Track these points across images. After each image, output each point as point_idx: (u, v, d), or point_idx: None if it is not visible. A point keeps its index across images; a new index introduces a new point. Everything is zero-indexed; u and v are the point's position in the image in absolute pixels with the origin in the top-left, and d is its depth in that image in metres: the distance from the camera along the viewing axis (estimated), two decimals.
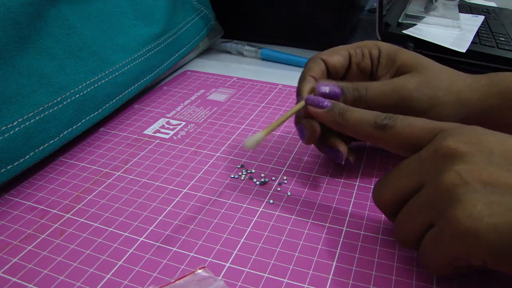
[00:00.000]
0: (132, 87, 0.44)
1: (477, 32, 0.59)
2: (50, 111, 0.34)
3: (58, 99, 0.35)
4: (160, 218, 0.30)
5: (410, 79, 0.32)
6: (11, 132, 0.31)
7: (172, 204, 0.31)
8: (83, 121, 0.37)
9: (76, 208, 0.31)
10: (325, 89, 0.31)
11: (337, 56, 0.34)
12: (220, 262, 0.26)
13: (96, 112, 0.39)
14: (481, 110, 0.32)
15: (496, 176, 0.21)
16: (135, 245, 0.27)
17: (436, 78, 0.32)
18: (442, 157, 0.23)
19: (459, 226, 0.21)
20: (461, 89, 0.32)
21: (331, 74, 0.34)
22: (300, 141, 0.39)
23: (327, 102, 0.29)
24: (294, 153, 0.38)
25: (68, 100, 0.36)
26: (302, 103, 0.31)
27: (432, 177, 0.23)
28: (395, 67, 0.34)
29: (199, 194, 0.32)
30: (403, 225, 0.25)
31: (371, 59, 0.34)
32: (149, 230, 0.29)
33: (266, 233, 0.29)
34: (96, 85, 0.39)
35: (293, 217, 0.30)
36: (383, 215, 0.30)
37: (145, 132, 0.41)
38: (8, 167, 0.31)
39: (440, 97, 0.32)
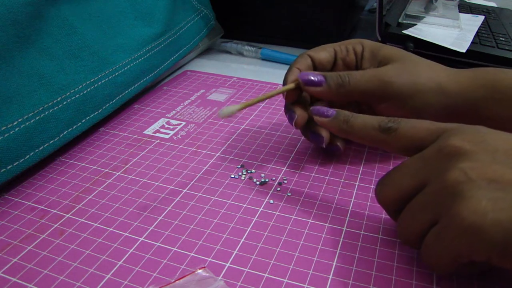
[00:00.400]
0: (132, 87, 0.44)
1: (477, 32, 0.59)
2: (50, 111, 0.34)
3: (58, 99, 0.35)
4: (160, 218, 0.30)
5: (391, 67, 0.34)
6: (11, 132, 0.31)
7: (172, 204, 0.31)
8: (83, 121, 0.37)
9: (76, 208, 0.31)
10: (308, 75, 0.33)
11: (323, 52, 0.36)
12: (220, 262, 0.26)
13: (96, 112, 0.39)
14: (465, 102, 0.33)
15: (501, 173, 0.21)
16: (135, 245, 0.27)
17: (416, 67, 0.34)
18: (447, 156, 0.23)
19: (463, 222, 0.21)
20: (442, 78, 0.33)
21: (317, 68, 0.36)
22: (300, 141, 0.39)
23: (332, 111, 0.30)
24: (294, 153, 0.38)
25: (68, 100, 0.36)
26: (287, 86, 0.34)
27: (436, 175, 0.23)
28: (378, 60, 0.35)
29: (199, 194, 0.32)
30: (406, 223, 0.25)
31: (355, 54, 0.36)
32: (149, 230, 0.29)
33: (266, 233, 0.29)
34: (96, 85, 0.39)
35: (293, 217, 0.30)
36: (383, 215, 0.30)
37: (145, 132, 0.41)
38: (8, 167, 0.31)
39: (421, 84, 0.33)
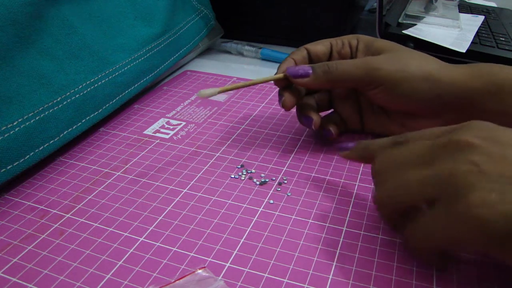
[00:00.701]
0: (132, 87, 0.44)
1: (477, 32, 0.59)
2: (50, 111, 0.34)
3: (58, 99, 0.35)
4: (160, 218, 0.30)
5: (382, 56, 0.35)
6: (11, 132, 0.31)
7: (172, 204, 0.31)
8: (83, 121, 0.37)
9: (76, 208, 0.31)
10: (295, 68, 0.35)
11: (319, 45, 0.38)
12: (220, 262, 0.26)
13: (96, 112, 0.39)
14: (460, 93, 0.33)
15: (511, 168, 0.22)
16: (135, 245, 0.27)
17: (407, 57, 0.35)
18: (458, 149, 0.24)
19: (470, 211, 0.21)
20: (433, 69, 0.34)
21: (313, 60, 0.38)
22: (300, 141, 0.39)
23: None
24: (294, 153, 0.38)
25: (68, 100, 0.36)
26: (275, 76, 0.36)
27: (444, 162, 0.24)
28: (371, 52, 0.36)
29: (199, 194, 0.32)
30: (397, 192, 0.25)
31: (350, 47, 0.38)
32: (149, 230, 0.29)
33: (266, 233, 0.29)
34: (96, 85, 0.39)
35: (293, 217, 0.30)
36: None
37: (145, 132, 0.41)
38: (8, 167, 0.31)
39: (409, 72, 0.34)
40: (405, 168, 0.25)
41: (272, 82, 0.37)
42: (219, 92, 0.33)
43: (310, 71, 0.35)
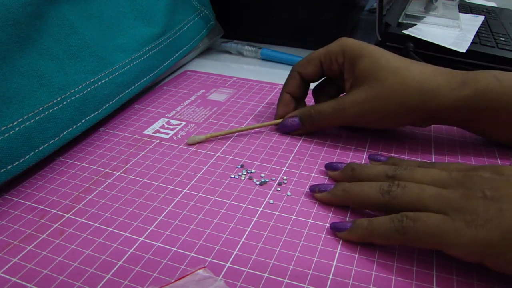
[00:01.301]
0: (132, 87, 0.44)
1: (477, 32, 0.59)
2: (50, 111, 0.34)
3: (58, 99, 0.35)
4: (160, 218, 0.30)
5: (359, 95, 0.36)
6: (11, 132, 0.31)
7: (172, 204, 0.31)
8: (83, 121, 0.37)
9: (76, 208, 0.31)
10: (285, 124, 0.40)
11: (310, 67, 0.40)
12: (220, 262, 0.26)
13: (96, 112, 0.39)
14: (453, 101, 0.35)
15: None
16: (135, 245, 0.27)
17: (386, 92, 0.35)
18: (472, 180, 0.27)
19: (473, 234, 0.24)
20: (413, 98, 0.35)
21: (307, 81, 0.41)
22: (300, 141, 0.39)
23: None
24: (294, 153, 0.38)
25: (68, 100, 0.36)
26: (272, 122, 0.41)
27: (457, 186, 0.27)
28: (354, 76, 0.37)
29: (199, 194, 0.32)
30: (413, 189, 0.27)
31: (337, 64, 0.39)
32: (149, 230, 0.29)
33: (266, 233, 0.29)
34: (96, 85, 0.39)
35: (293, 217, 0.30)
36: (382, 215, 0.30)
37: (145, 132, 0.41)
38: (8, 167, 0.31)
39: (388, 110, 0.36)
40: None
41: (270, 80, 0.37)
42: (207, 139, 0.38)
43: (299, 124, 0.39)
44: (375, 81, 0.36)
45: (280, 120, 0.40)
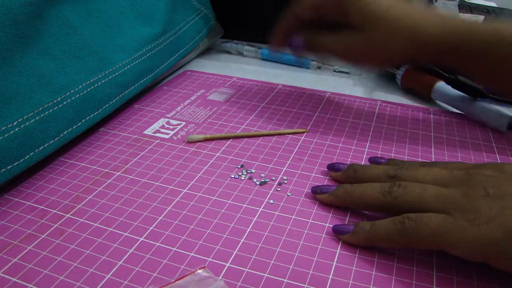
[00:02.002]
0: (132, 87, 0.44)
1: None
2: (50, 111, 0.34)
3: (58, 99, 0.35)
4: (160, 218, 0.30)
5: (356, 37, 0.38)
6: (11, 132, 0.31)
7: (172, 204, 0.31)
8: (83, 121, 0.37)
9: (76, 208, 0.31)
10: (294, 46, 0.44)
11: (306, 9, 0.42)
12: (220, 262, 0.26)
13: (96, 112, 0.39)
14: (441, 43, 0.35)
15: None
16: (135, 245, 0.27)
17: (376, 38, 0.37)
18: (474, 178, 0.27)
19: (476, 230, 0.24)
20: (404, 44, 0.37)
21: (302, 22, 0.43)
22: (300, 141, 0.39)
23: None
24: (294, 153, 0.38)
25: (68, 100, 0.36)
26: (268, 131, 0.40)
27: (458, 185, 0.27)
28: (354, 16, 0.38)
29: (199, 194, 0.32)
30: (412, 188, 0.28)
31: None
32: (149, 230, 0.29)
33: (266, 233, 0.29)
34: (96, 85, 0.39)
35: (293, 217, 0.30)
36: (383, 216, 0.30)
37: (145, 132, 0.41)
38: (8, 167, 0.31)
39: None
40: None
41: (270, 80, 0.37)
42: (204, 139, 0.39)
43: (303, 44, 0.43)
44: (370, 29, 0.37)
45: (271, 132, 0.40)
